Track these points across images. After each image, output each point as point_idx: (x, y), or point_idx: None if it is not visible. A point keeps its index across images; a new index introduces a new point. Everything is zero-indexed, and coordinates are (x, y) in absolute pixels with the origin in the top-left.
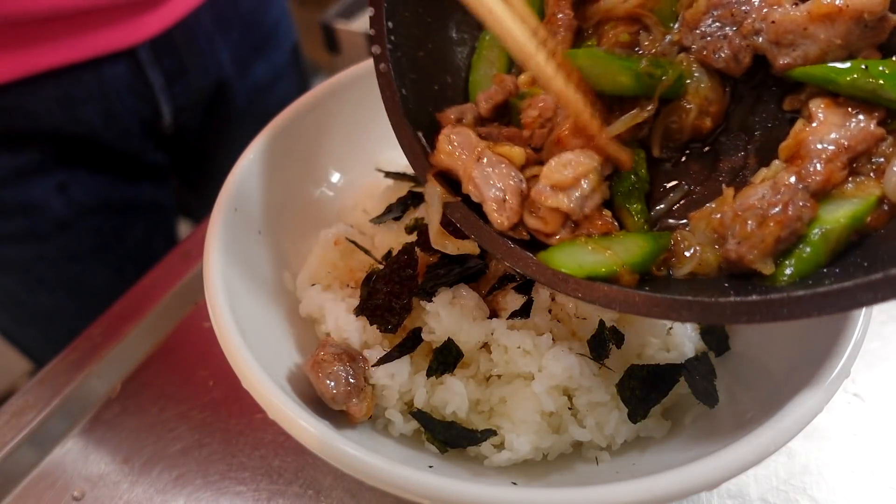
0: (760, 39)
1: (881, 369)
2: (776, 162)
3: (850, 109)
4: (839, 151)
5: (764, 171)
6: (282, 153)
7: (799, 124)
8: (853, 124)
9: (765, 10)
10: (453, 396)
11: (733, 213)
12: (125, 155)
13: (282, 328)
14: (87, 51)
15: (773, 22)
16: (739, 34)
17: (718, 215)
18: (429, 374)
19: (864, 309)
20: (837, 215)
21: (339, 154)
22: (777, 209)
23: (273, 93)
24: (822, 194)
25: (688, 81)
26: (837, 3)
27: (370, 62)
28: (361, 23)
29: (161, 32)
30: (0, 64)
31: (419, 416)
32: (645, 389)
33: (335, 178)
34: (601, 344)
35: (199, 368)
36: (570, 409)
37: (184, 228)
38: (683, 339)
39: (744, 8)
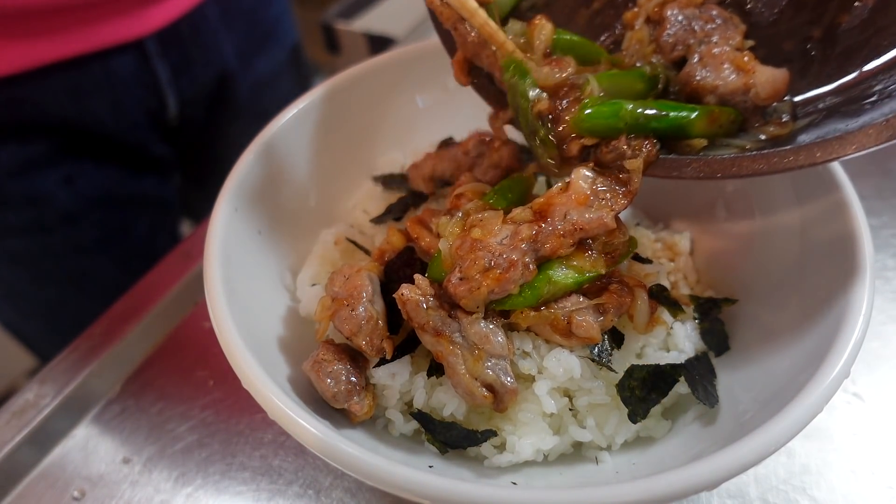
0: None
1: (881, 369)
2: (521, 212)
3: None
4: (574, 230)
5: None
6: (282, 153)
7: (555, 188)
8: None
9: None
10: (451, 398)
11: (470, 247)
12: (131, 147)
13: (282, 328)
14: (96, 42)
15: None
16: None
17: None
18: (429, 375)
19: (863, 309)
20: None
21: (340, 154)
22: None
23: (273, 89)
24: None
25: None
26: None
27: (370, 62)
28: (361, 23)
29: (168, 25)
30: (9, 55)
31: (419, 416)
32: (645, 389)
33: (335, 178)
34: (603, 349)
35: (199, 368)
36: (570, 409)
37: (185, 228)
38: (683, 340)
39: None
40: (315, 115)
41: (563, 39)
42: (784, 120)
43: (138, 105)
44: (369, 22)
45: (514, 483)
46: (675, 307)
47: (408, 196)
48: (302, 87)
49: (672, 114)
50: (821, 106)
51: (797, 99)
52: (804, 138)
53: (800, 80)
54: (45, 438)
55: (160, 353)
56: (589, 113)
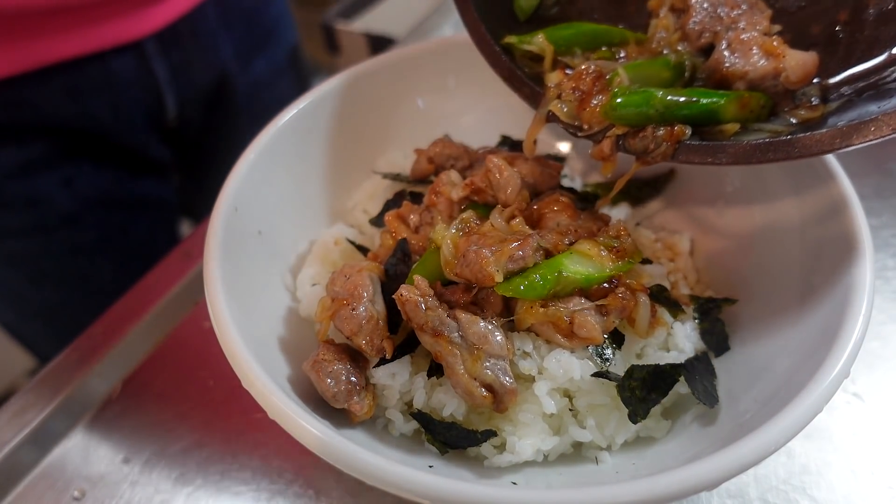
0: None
1: (881, 369)
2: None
3: None
4: (568, 231)
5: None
6: (282, 153)
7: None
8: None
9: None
10: (451, 398)
11: (478, 237)
12: (130, 149)
13: (282, 328)
14: (95, 44)
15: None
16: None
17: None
18: (429, 375)
19: (863, 309)
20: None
21: (340, 154)
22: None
23: (272, 90)
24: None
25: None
26: None
27: (370, 62)
28: (361, 23)
29: (167, 25)
30: (8, 56)
31: (419, 416)
32: (645, 389)
33: (335, 177)
34: (605, 351)
35: (199, 368)
36: (570, 410)
37: (184, 228)
38: (683, 340)
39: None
40: (315, 115)
41: (586, 29)
42: (814, 103)
43: (137, 106)
44: (369, 22)
45: (514, 483)
46: (675, 307)
47: (404, 194)
48: (301, 87)
49: (703, 100)
50: (850, 89)
51: (827, 82)
52: (835, 121)
53: (828, 64)
54: (45, 438)
55: (160, 353)
56: (620, 101)
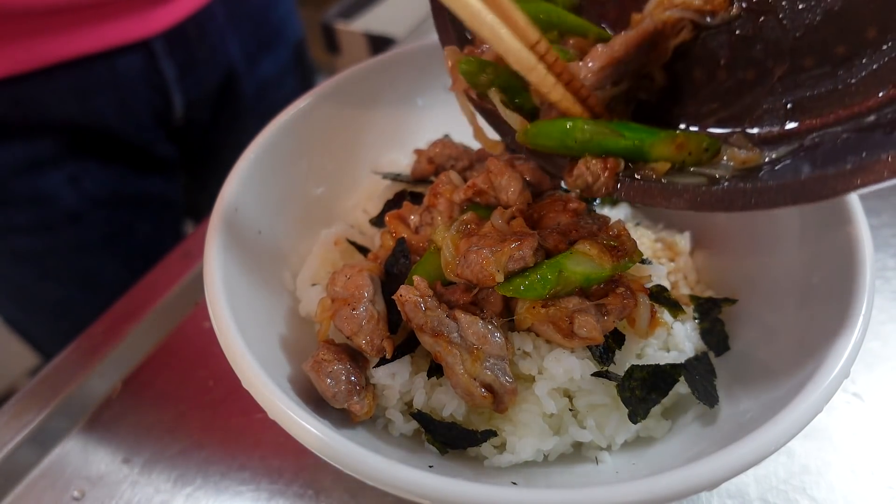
0: None
1: (881, 369)
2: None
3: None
4: (569, 230)
5: None
6: (282, 152)
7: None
8: None
9: None
10: (451, 398)
11: (478, 238)
12: (136, 147)
13: (282, 328)
14: (102, 42)
15: None
16: None
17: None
18: (429, 375)
19: (863, 309)
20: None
21: (340, 154)
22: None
23: (278, 89)
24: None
25: None
26: None
27: (370, 62)
28: (361, 23)
29: (175, 24)
30: (15, 54)
31: (419, 416)
32: (645, 389)
33: (335, 177)
34: (605, 351)
35: (199, 368)
36: (570, 410)
37: (189, 227)
38: (683, 339)
39: None
40: (315, 115)
41: (547, 8)
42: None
43: (144, 105)
44: (369, 22)
45: (514, 483)
46: (675, 307)
47: (404, 194)
48: (305, 86)
49: (628, 134)
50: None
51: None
52: (799, 165)
53: (816, 105)
54: (45, 438)
55: (160, 353)
56: (534, 131)
